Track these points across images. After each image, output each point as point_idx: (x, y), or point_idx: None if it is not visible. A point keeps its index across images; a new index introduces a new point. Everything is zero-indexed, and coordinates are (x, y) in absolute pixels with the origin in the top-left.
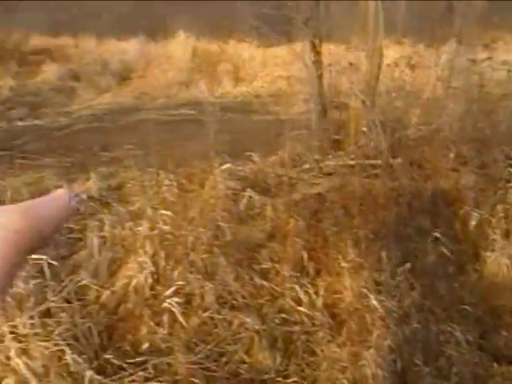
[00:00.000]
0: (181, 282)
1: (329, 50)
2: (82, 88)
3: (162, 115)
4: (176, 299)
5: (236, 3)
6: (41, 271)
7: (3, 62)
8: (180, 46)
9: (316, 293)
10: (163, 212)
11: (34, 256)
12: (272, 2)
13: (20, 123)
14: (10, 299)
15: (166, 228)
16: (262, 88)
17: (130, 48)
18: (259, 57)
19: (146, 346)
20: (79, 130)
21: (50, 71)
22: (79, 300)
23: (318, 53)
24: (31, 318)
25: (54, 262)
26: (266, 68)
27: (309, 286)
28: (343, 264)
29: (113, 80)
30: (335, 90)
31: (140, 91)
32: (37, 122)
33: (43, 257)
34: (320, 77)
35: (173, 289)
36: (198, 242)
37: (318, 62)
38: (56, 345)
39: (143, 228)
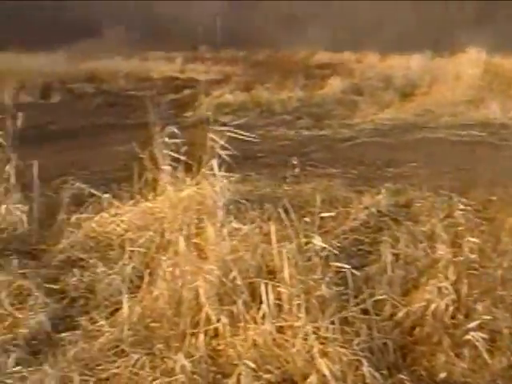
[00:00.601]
0: (486, 317)
1: None
2: (365, 102)
3: (449, 135)
4: (480, 334)
5: None
6: (341, 279)
7: (292, 75)
8: (469, 62)
9: None
10: (470, 239)
11: (338, 264)
12: None
13: (306, 132)
14: (314, 301)
15: (473, 256)
16: None
17: (414, 63)
18: None
19: (443, 375)
20: (362, 143)
21: (333, 85)
22: (376, 314)
23: None
24: (332, 322)
25: (356, 272)
26: None
27: None
28: None
29: (395, 95)
30: None
31: (423, 108)
32: (321, 132)
33: (347, 266)
34: None
35: (477, 322)
36: (508, 277)
37: None
38: (354, 354)
39: (444, 252)
